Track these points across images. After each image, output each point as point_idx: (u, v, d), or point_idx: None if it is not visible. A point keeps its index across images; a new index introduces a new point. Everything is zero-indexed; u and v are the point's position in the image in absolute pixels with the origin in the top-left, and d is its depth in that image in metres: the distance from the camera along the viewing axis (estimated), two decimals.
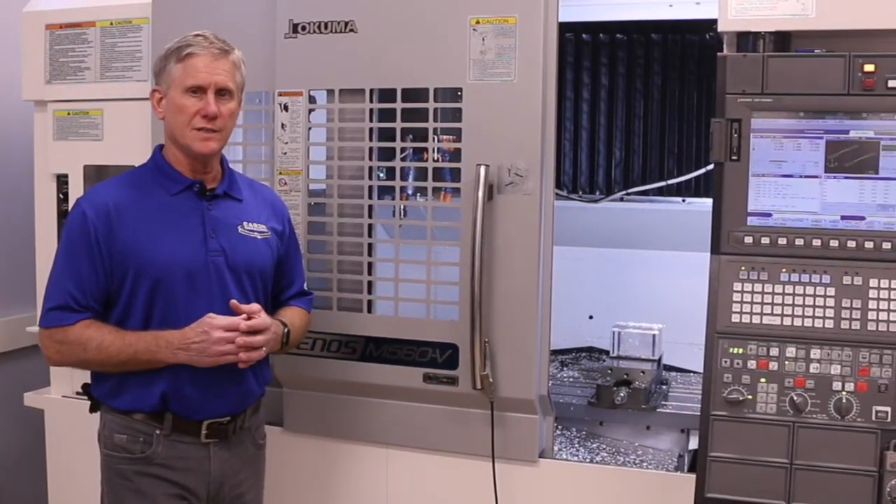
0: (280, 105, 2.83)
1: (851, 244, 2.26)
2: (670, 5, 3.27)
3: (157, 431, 2.33)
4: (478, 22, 2.60)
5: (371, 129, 2.76)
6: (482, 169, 2.54)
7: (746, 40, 2.38)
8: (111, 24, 3.15)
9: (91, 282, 2.29)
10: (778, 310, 2.29)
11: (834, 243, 2.27)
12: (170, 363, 2.28)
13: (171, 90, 2.33)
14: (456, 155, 2.65)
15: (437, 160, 2.72)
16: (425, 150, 2.73)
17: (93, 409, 2.45)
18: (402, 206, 2.84)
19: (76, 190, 3.21)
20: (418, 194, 2.84)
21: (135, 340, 2.28)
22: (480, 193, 2.54)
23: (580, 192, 3.63)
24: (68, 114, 3.23)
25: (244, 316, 2.31)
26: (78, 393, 3.07)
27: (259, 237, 2.46)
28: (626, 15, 3.37)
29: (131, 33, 3.12)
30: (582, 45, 3.59)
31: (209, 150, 2.35)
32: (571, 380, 3.24)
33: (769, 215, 2.32)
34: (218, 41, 2.35)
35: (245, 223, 2.44)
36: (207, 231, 2.36)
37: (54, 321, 2.30)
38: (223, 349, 2.28)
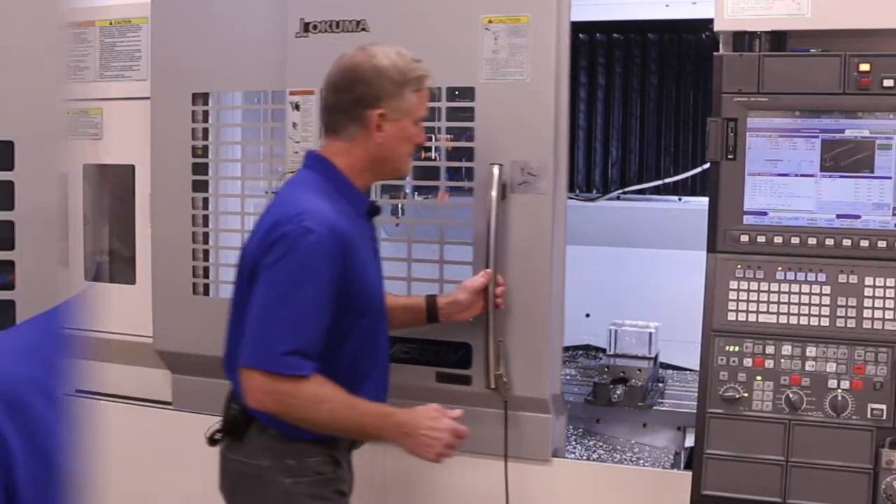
0: (291, 104, 2.82)
1: (847, 243, 2.27)
2: (667, 5, 3.27)
3: (331, 451, 2.24)
4: (490, 21, 2.58)
5: None
6: (496, 168, 2.53)
7: (742, 40, 2.38)
8: (110, 23, 3.15)
9: (330, 322, 2.07)
10: (774, 308, 2.30)
11: (829, 242, 2.28)
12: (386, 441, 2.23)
13: (403, 119, 2.22)
14: (468, 153, 2.64)
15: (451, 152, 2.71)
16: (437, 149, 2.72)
17: (212, 443, 2.26)
18: (405, 206, 2.85)
19: (75, 189, 3.21)
20: (430, 194, 2.83)
21: (362, 414, 2.13)
22: (494, 193, 2.52)
23: (577, 191, 3.63)
24: (67, 113, 3.23)
25: (458, 413, 2.25)
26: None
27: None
28: (623, 14, 3.37)
29: (130, 33, 3.13)
30: (579, 44, 3.60)
31: None
32: (568, 377, 3.24)
33: (765, 214, 2.33)
34: None
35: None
36: (379, 257, 2.33)
37: (289, 368, 2.01)
38: (445, 453, 2.20)
